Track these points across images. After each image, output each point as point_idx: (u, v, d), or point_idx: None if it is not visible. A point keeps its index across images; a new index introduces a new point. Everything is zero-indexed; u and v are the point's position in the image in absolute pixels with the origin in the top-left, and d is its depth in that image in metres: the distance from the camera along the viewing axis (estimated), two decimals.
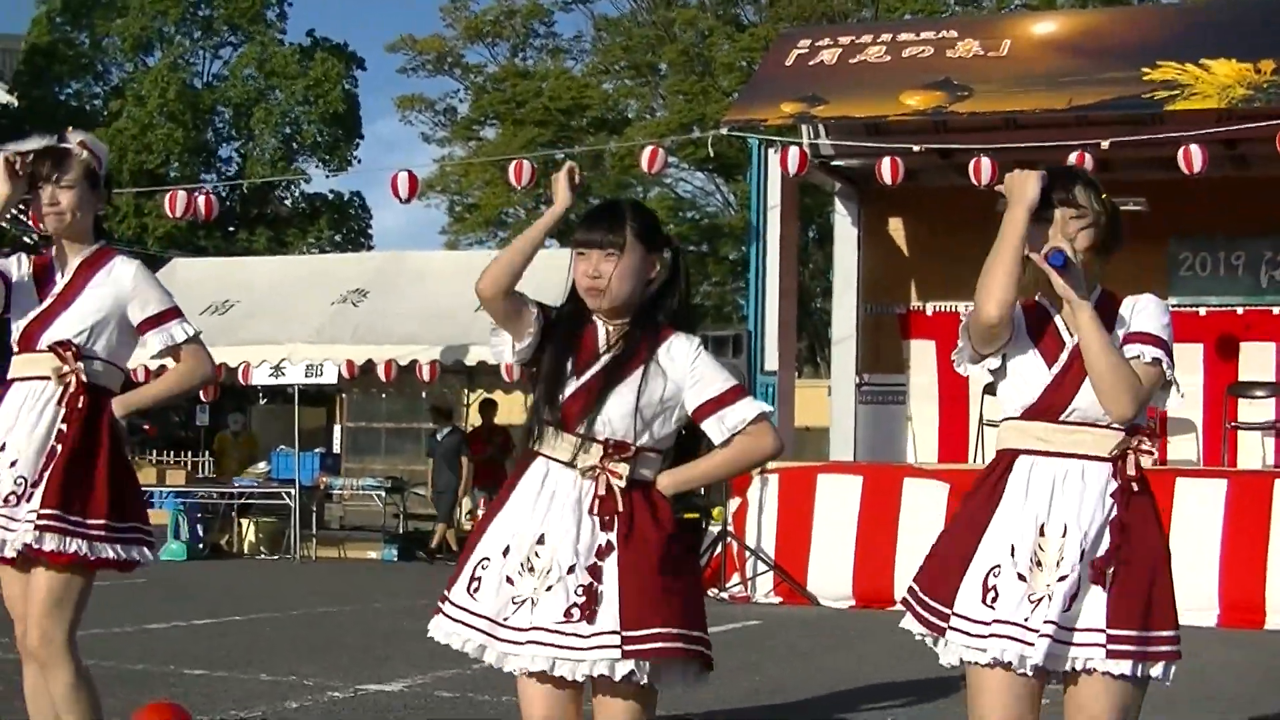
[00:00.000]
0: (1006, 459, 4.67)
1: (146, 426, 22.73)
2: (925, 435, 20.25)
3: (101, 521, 5.75)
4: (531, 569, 4.57)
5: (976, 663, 4.56)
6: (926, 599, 4.70)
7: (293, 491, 22.78)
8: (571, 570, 4.52)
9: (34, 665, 5.94)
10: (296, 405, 23.72)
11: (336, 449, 27.65)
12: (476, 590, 4.62)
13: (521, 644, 4.52)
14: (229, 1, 48.72)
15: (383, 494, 24.41)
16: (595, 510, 4.58)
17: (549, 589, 4.52)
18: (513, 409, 23.88)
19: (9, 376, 5.90)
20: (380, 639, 12.33)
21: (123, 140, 43.94)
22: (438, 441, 23.06)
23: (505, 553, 4.61)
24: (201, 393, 23.32)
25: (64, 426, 5.76)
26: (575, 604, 4.50)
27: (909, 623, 4.76)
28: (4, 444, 5.77)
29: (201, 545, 22.96)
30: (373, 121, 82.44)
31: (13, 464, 5.73)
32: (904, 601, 4.81)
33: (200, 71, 49.80)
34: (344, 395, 27.17)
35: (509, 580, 4.58)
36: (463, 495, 22.92)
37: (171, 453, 35.57)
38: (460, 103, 50.28)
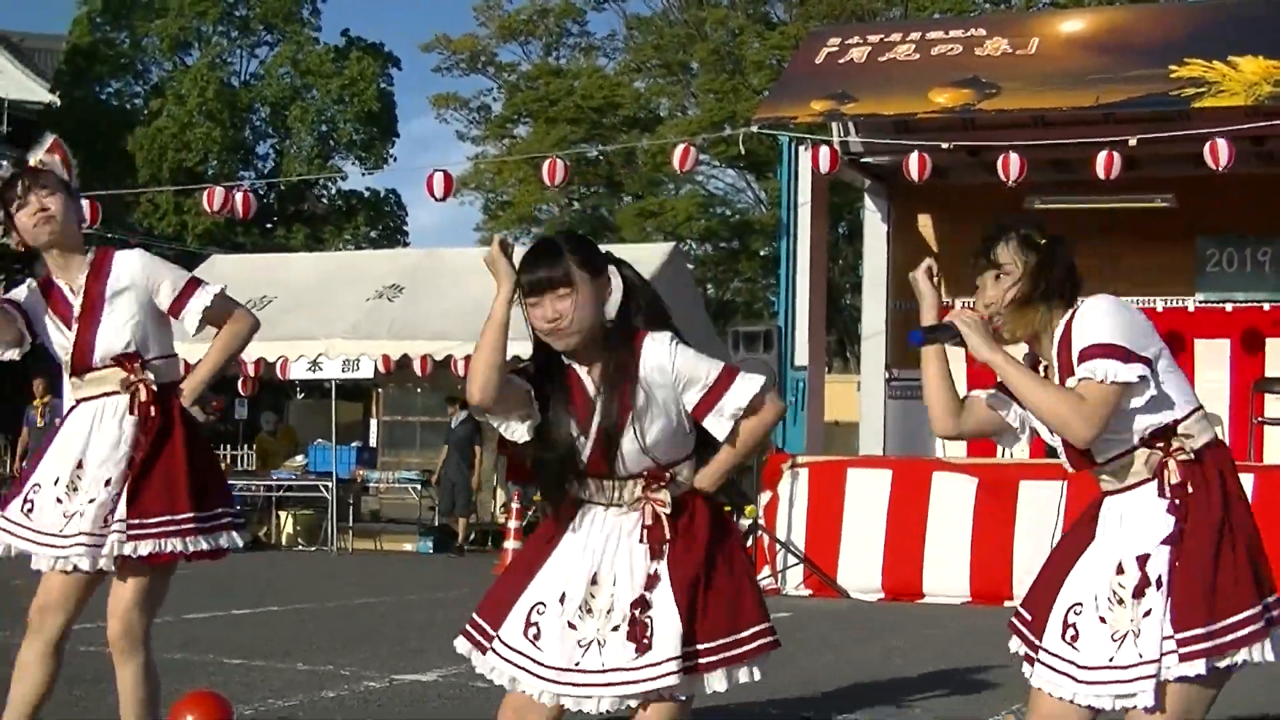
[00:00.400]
0: (1098, 500, 4.68)
1: (214, 403, 22.72)
2: None
3: (189, 514, 5.82)
4: (590, 610, 4.54)
5: (1064, 699, 4.54)
6: (1023, 613, 4.73)
7: (330, 484, 22.91)
8: (633, 606, 4.52)
9: (36, 644, 5.95)
10: (333, 400, 23.80)
11: (373, 443, 27.73)
12: (538, 638, 4.57)
13: (601, 685, 4.50)
14: (264, 1, 48.81)
15: (418, 487, 24.47)
16: (644, 539, 4.56)
17: (615, 629, 4.51)
18: None
19: (76, 398, 5.94)
20: (415, 630, 12.36)
21: (163, 139, 44.10)
22: (451, 429, 23.08)
23: (562, 599, 4.57)
24: (240, 387, 23.46)
25: (142, 436, 5.82)
26: (636, 642, 4.48)
27: (1013, 642, 4.74)
28: (80, 461, 5.81)
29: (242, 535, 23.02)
30: (408, 119, 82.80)
31: (106, 483, 5.77)
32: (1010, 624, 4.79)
33: (238, 71, 49.95)
34: (380, 390, 27.28)
35: (571, 625, 4.55)
36: (477, 484, 22.90)
37: (211, 446, 35.67)
38: (494, 101, 50.47)
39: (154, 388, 5.81)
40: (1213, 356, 19.12)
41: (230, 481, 22.74)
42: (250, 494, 23.96)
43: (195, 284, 5.93)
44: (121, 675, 5.88)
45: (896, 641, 12.61)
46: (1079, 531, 4.68)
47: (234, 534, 6.01)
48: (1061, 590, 4.58)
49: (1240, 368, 19.18)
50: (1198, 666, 4.33)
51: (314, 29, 49.94)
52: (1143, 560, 4.43)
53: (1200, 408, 4.64)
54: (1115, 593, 4.45)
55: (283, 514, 23.63)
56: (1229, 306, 19.33)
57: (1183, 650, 4.33)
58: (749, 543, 16.81)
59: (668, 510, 4.55)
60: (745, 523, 17.09)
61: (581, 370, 4.69)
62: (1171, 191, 18.27)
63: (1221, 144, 16.01)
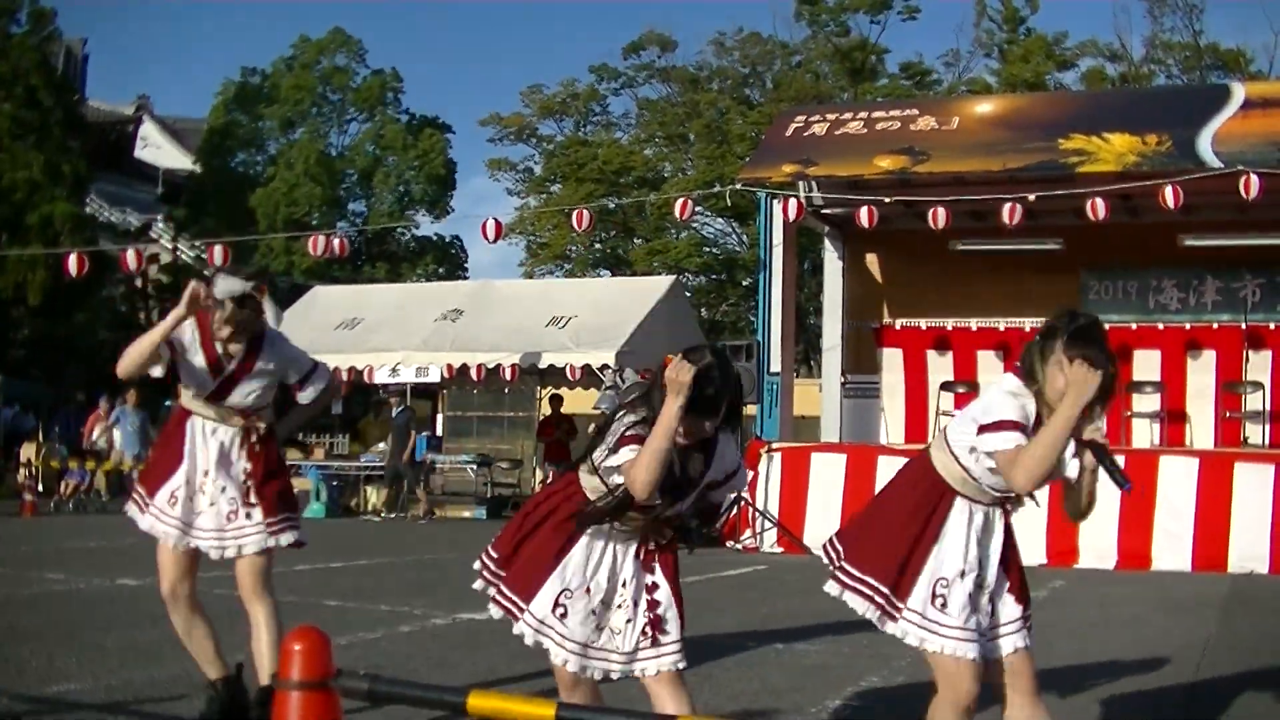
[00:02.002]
0: (949, 495, 4.64)
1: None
2: (895, 422, 20.22)
3: (289, 515, 6.06)
4: (607, 605, 4.66)
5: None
6: (883, 590, 4.65)
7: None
8: (637, 604, 4.66)
9: (180, 612, 6.06)
10: (408, 399, 23.78)
11: (439, 432, 27.64)
12: (564, 618, 4.63)
13: (613, 662, 4.67)
14: (354, 90, 49.10)
15: (475, 467, 24.44)
16: (642, 558, 4.71)
17: (628, 621, 4.66)
18: (574, 401, 23.92)
19: (204, 413, 6.00)
20: (473, 579, 12.34)
21: (276, 197, 44.16)
22: (393, 417, 23.03)
23: (588, 591, 4.65)
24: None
25: (249, 466, 5.97)
26: (645, 629, 4.65)
27: (860, 605, 4.76)
28: (207, 470, 5.97)
29: (336, 506, 23.08)
30: (467, 180, 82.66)
31: (223, 490, 5.93)
32: (862, 593, 4.76)
33: (333, 144, 49.95)
34: (445, 391, 27.21)
35: (593, 613, 4.64)
36: (408, 459, 22.80)
37: (314, 435, 35.78)
38: (535, 165, 50.30)
39: (261, 431, 6.03)
40: None
41: (329, 463, 23.12)
42: (343, 472, 24.03)
43: (314, 368, 6.14)
44: (255, 616, 5.92)
45: None
46: (922, 514, 4.63)
47: (294, 533, 6.10)
48: (926, 564, 4.56)
49: None
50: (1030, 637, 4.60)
51: (396, 110, 50.09)
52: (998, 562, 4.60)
53: None
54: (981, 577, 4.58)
55: (369, 488, 23.65)
56: (1105, 326, 19.32)
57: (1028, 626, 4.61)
58: (733, 511, 16.80)
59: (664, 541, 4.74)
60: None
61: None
62: (1061, 236, 18.27)
63: (1099, 201, 16.02)
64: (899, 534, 4.62)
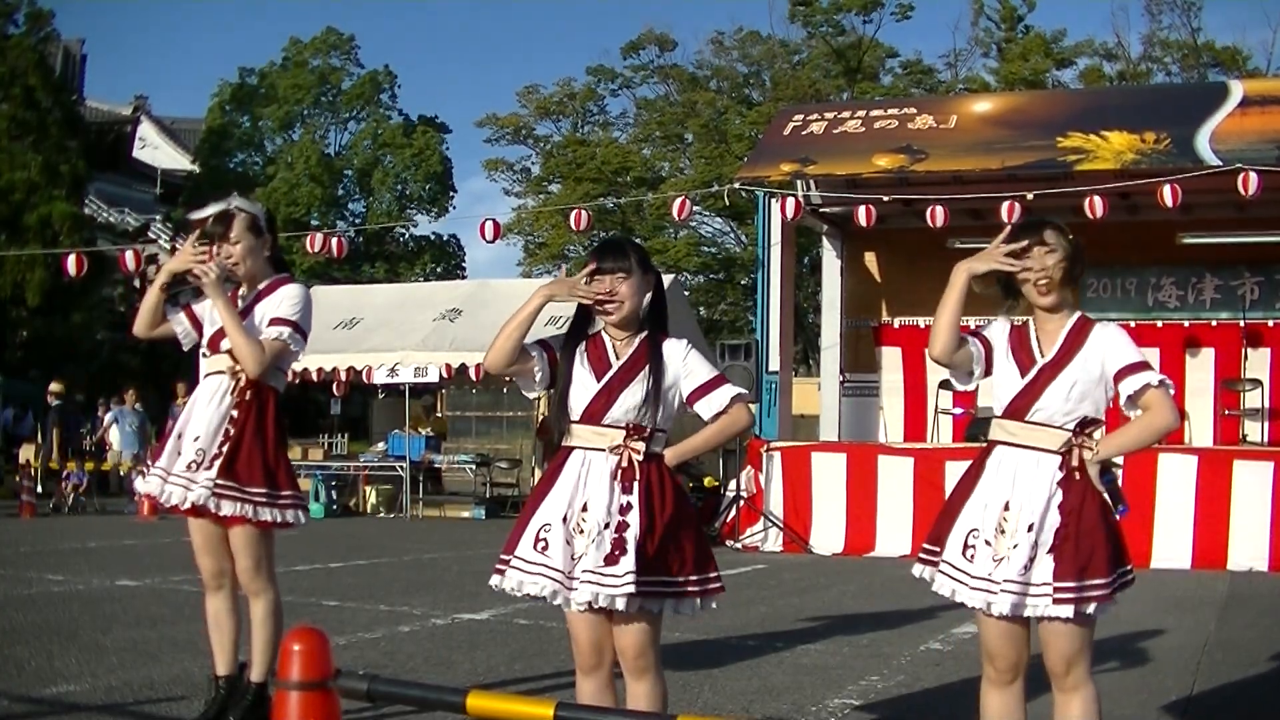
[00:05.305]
0: (990, 447, 4.65)
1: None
2: (894, 420, 20.23)
3: (262, 490, 5.79)
4: (582, 531, 4.56)
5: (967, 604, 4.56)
6: (927, 546, 4.68)
7: (404, 465, 22.90)
8: (606, 526, 4.53)
9: (217, 598, 5.97)
10: (407, 398, 23.80)
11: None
12: (545, 549, 4.58)
13: (577, 588, 4.53)
14: (352, 90, 49.16)
15: (473, 467, 24.42)
16: (619, 478, 4.59)
17: (593, 543, 4.51)
18: None
19: (203, 373, 5.96)
20: (472, 578, 12.34)
21: (275, 197, 44.19)
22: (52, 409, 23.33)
23: (564, 520, 4.59)
24: (334, 389, 23.49)
25: (235, 413, 5.81)
26: (611, 552, 4.51)
27: (917, 569, 4.72)
28: (189, 423, 5.86)
29: (335, 506, 23.07)
30: (465, 179, 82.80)
31: (195, 439, 5.79)
32: (918, 557, 4.75)
33: (332, 144, 50.00)
34: (444, 390, 27.19)
35: (568, 542, 4.57)
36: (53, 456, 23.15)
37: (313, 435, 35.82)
38: (533, 165, 50.32)
39: (247, 376, 5.83)
40: None
41: (327, 463, 23.03)
42: (343, 472, 24.03)
43: (283, 323, 5.87)
44: (254, 611, 5.88)
45: (848, 586, 12.58)
46: (968, 475, 4.67)
47: (298, 512, 5.91)
48: (958, 520, 4.57)
49: None
50: (1066, 610, 4.38)
51: (390, 110, 50.15)
52: (1025, 506, 4.45)
53: None
54: (1000, 525, 4.46)
55: (368, 488, 23.64)
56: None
57: (1056, 596, 4.38)
58: (733, 513, 16.83)
59: (640, 458, 4.59)
60: (730, 494, 17.08)
61: (610, 339, 4.80)
62: None
63: (1097, 200, 16.01)
64: (953, 494, 4.69)
